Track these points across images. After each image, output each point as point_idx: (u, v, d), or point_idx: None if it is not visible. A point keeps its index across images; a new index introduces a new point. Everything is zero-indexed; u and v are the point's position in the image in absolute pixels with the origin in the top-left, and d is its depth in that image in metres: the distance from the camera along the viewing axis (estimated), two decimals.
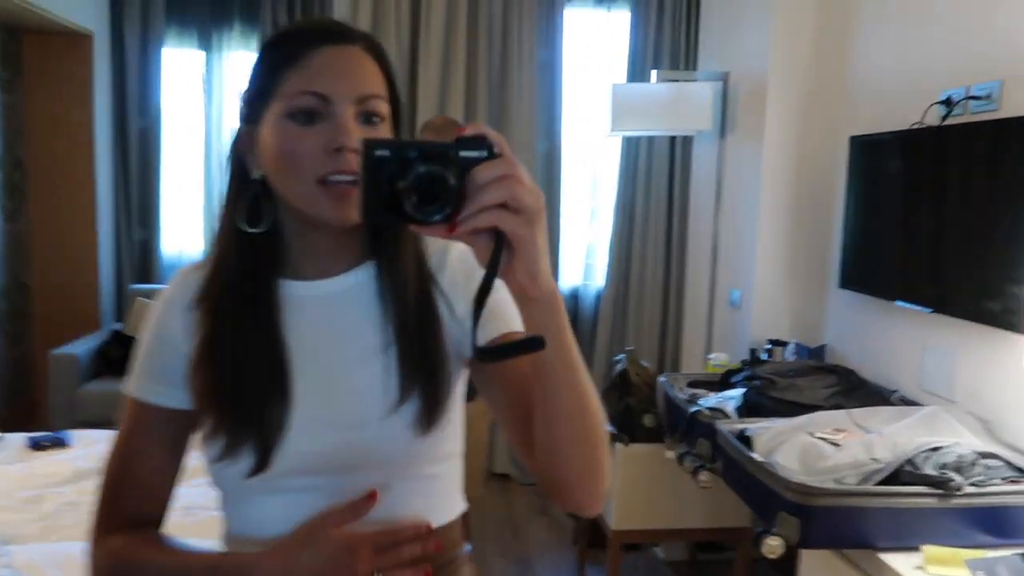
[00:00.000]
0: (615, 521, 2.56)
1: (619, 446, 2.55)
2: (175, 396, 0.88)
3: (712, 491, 2.21)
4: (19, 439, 2.63)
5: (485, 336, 0.87)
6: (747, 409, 2.23)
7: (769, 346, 2.81)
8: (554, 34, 3.73)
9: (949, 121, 2.14)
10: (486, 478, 3.72)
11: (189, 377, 0.87)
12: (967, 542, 1.57)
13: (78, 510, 2.07)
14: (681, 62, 3.76)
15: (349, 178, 0.80)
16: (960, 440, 1.74)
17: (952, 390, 2.12)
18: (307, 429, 0.85)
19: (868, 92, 2.58)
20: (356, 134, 0.80)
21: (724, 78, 3.25)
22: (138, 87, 3.91)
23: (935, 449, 1.67)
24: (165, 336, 0.90)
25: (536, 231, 0.64)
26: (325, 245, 0.89)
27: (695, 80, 3.29)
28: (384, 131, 0.85)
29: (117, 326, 3.94)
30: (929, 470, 1.62)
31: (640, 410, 2.65)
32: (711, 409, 2.21)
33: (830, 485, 1.65)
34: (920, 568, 1.52)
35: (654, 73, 3.36)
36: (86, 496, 2.08)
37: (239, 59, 3.93)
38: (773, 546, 1.63)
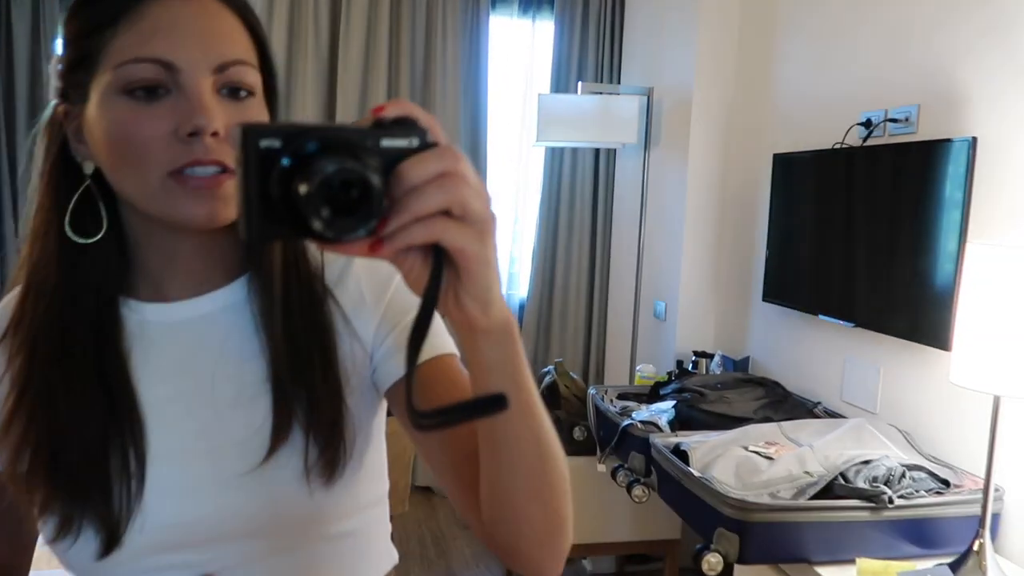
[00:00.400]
0: None
1: None
2: None
3: (642, 504, 2.22)
4: None
5: (402, 365, 0.70)
6: (679, 422, 2.25)
7: (695, 358, 2.85)
8: (479, 41, 3.70)
9: (869, 142, 2.22)
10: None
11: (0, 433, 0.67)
12: (897, 554, 1.62)
13: None
14: (605, 75, 3.79)
15: (212, 170, 0.63)
16: (888, 453, 1.79)
17: (873, 402, 2.19)
18: (169, 494, 0.68)
19: (792, 111, 2.66)
20: (216, 113, 0.63)
21: (648, 93, 3.29)
22: None
23: (866, 462, 1.72)
24: None
25: (487, 245, 0.48)
26: (188, 255, 0.71)
27: (619, 94, 3.32)
28: (255, 109, 0.67)
29: None
30: (861, 483, 1.66)
31: (569, 423, 2.65)
32: (644, 422, 2.21)
33: (766, 500, 1.67)
34: None
35: (580, 85, 3.37)
36: None
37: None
38: (713, 563, 1.64)
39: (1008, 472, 1.74)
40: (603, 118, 3.23)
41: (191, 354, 0.71)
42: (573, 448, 2.57)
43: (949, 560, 1.56)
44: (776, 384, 2.48)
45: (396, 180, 0.45)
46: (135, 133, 0.62)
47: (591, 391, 2.58)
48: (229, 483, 0.68)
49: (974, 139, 1.81)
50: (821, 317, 2.36)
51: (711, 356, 2.84)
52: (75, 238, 0.67)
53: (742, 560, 1.63)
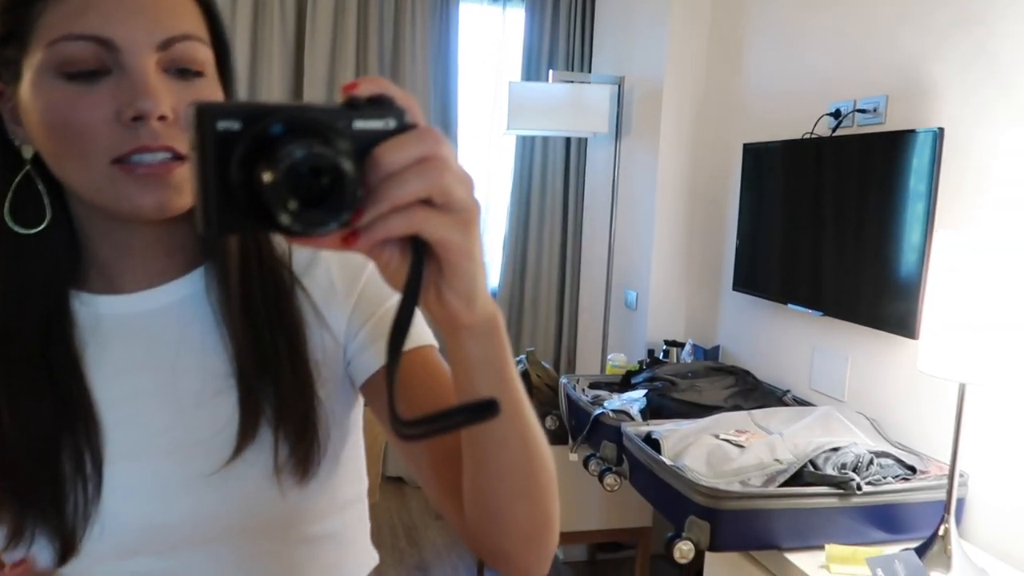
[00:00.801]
0: None
1: None
2: None
3: (614, 492, 2.23)
4: None
5: (378, 357, 0.67)
6: (651, 411, 2.25)
7: (666, 347, 2.86)
8: (448, 28, 3.67)
9: (838, 132, 2.23)
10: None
11: None
12: (866, 540, 1.64)
13: None
14: (576, 64, 3.78)
15: (162, 156, 0.58)
16: (856, 440, 1.82)
17: (841, 390, 2.22)
18: (130, 496, 0.64)
19: (761, 101, 2.67)
20: (163, 95, 0.58)
21: (619, 82, 3.29)
22: None
23: (834, 449, 1.74)
24: None
25: (471, 236, 0.45)
26: (140, 246, 0.66)
27: (590, 83, 3.31)
28: (208, 88, 0.62)
29: None
30: (830, 470, 1.68)
31: (541, 412, 2.64)
32: (615, 411, 2.22)
33: (737, 487, 1.68)
34: (823, 567, 1.57)
35: (551, 73, 3.36)
36: None
37: None
38: (685, 551, 1.65)
39: (973, 458, 1.77)
40: (574, 107, 3.22)
41: (150, 348, 0.67)
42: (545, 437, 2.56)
43: (915, 545, 1.59)
44: (746, 373, 2.50)
45: (371, 166, 0.41)
46: (73, 119, 0.57)
47: (563, 380, 2.58)
48: (195, 484, 0.65)
49: (940, 130, 1.83)
50: (790, 306, 2.38)
51: (682, 345, 2.86)
52: (16, 228, 0.62)
53: (713, 547, 1.65)
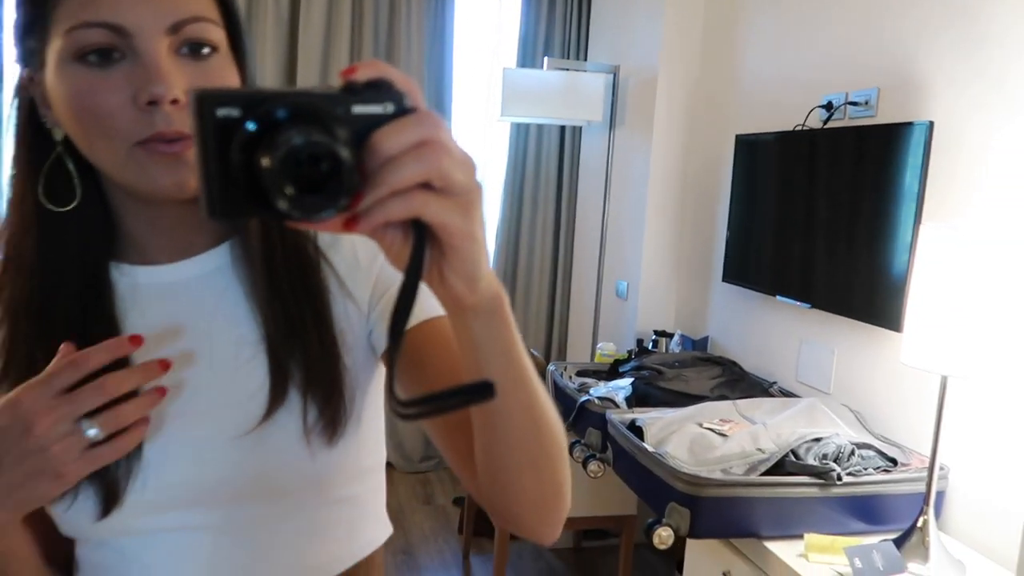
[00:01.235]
0: None
1: None
2: None
3: (598, 480, 2.23)
4: None
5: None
6: (636, 399, 2.26)
7: (655, 337, 2.87)
8: (444, 12, 3.65)
9: (830, 124, 2.23)
10: None
11: None
12: (844, 529, 1.65)
13: None
14: (572, 52, 3.77)
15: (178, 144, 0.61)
16: (839, 431, 1.82)
17: (827, 382, 2.22)
18: (171, 453, 0.67)
19: (755, 93, 2.66)
20: (175, 78, 0.60)
21: (615, 71, 3.28)
22: None
23: (816, 440, 1.74)
24: None
25: (473, 219, 0.45)
26: (173, 218, 0.70)
27: (586, 71, 3.30)
28: (220, 68, 0.64)
29: None
30: (811, 460, 1.69)
31: None
32: (601, 399, 2.22)
33: (718, 475, 1.69)
34: (802, 555, 1.58)
35: (546, 60, 3.35)
36: None
37: None
38: (664, 536, 1.66)
39: (953, 451, 1.77)
40: (569, 95, 3.21)
41: (187, 315, 0.71)
42: None
43: (894, 536, 1.59)
44: (733, 363, 2.51)
45: (370, 151, 0.42)
46: (93, 104, 0.60)
47: (550, 367, 2.58)
48: (230, 444, 0.68)
49: (931, 123, 1.83)
50: (779, 298, 2.38)
51: (671, 335, 2.86)
52: (50, 206, 0.65)
53: (693, 534, 1.65)
